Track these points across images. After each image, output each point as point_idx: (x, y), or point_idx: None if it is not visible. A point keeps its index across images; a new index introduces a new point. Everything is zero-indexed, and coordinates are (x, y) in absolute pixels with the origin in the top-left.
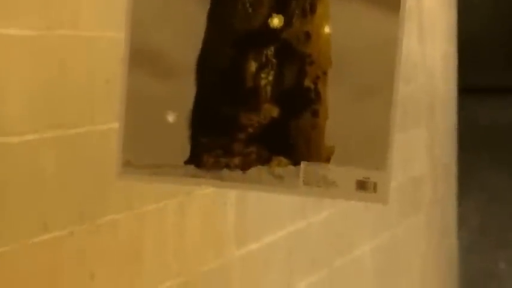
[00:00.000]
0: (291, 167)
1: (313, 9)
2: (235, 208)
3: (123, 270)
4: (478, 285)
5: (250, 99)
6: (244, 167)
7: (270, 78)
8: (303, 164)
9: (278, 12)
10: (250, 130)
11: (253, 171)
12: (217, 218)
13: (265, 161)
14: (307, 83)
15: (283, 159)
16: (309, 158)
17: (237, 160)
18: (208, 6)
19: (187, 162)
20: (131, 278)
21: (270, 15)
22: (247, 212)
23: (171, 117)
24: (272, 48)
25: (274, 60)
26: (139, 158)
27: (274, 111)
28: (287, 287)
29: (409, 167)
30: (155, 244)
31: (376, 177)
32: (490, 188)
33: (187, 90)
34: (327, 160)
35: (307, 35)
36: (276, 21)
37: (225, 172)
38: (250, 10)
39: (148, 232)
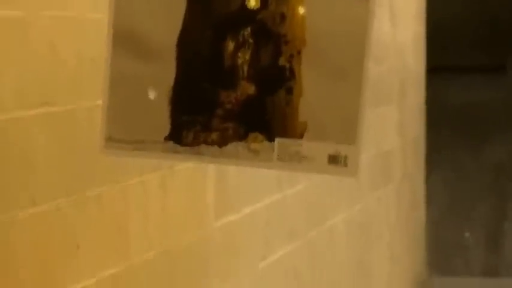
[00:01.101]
0: (266, 143)
1: None
2: (215, 182)
3: (108, 242)
4: (444, 254)
5: (228, 77)
6: (222, 142)
7: (247, 57)
8: (277, 140)
9: None
10: (228, 107)
11: (231, 146)
12: (198, 191)
13: (241, 137)
14: (282, 61)
15: (259, 135)
16: (283, 134)
17: (215, 136)
18: None
19: (167, 139)
20: (116, 250)
21: None
22: (226, 186)
23: (152, 95)
24: (249, 29)
25: (251, 40)
26: (121, 134)
27: (251, 89)
28: (264, 256)
29: (380, 142)
30: (139, 217)
31: (347, 152)
32: (457, 165)
33: (168, 69)
34: (300, 136)
35: (283, 16)
36: (252, 3)
37: (204, 148)
38: None
39: (132, 205)
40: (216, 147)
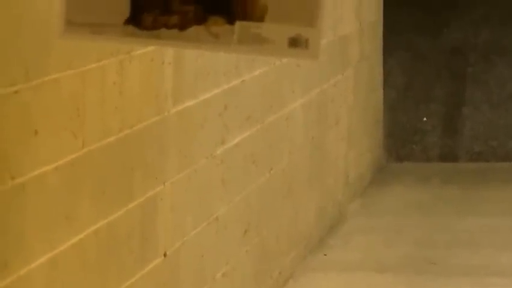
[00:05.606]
0: (227, 26)
1: None
2: (173, 67)
3: (66, 127)
4: (402, 139)
5: None
6: (182, 26)
7: None
8: (238, 23)
9: None
10: None
11: (191, 30)
12: (156, 76)
13: (201, 20)
14: None
15: (219, 19)
16: (243, 17)
17: (174, 19)
18: None
19: (126, 22)
20: (74, 135)
21: None
22: (184, 71)
23: None
24: None
25: None
26: (80, 17)
27: None
28: (222, 142)
29: (339, 26)
30: (96, 102)
31: (308, 34)
32: (415, 47)
33: None
34: (261, 18)
35: None
36: None
37: (163, 31)
38: None
39: (90, 90)
40: (176, 31)
